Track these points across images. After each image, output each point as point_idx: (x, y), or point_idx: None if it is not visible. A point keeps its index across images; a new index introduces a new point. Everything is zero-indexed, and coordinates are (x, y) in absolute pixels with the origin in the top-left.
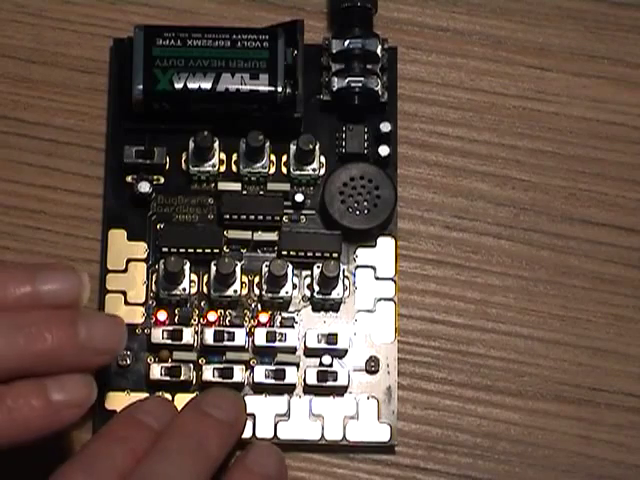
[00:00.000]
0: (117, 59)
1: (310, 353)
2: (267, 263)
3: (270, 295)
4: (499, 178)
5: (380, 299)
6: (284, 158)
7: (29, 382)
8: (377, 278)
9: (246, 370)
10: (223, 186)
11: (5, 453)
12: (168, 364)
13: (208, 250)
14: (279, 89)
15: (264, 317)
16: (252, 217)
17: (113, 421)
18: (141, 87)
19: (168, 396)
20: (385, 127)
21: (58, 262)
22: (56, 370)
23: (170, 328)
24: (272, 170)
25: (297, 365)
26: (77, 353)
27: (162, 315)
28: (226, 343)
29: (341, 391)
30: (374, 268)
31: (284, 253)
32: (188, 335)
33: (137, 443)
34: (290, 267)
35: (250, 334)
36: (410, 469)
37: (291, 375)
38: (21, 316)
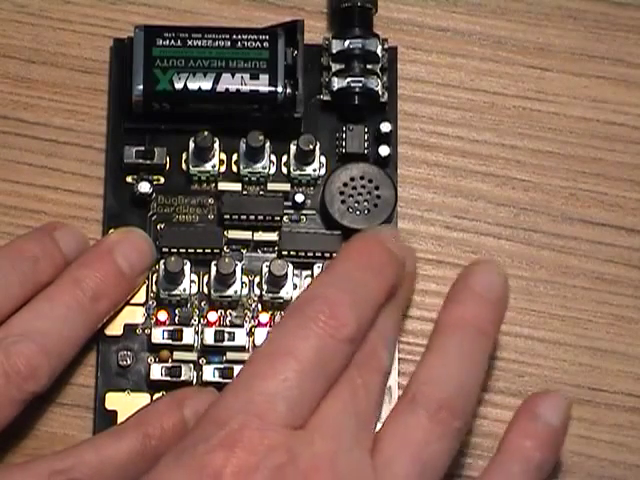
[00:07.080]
0: (117, 59)
1: None
2: (267, 263)
3: (270, 295)
4: (499, 178)
5: None
6: (284, 158)
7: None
8: None
9: None
10: (223, 186)
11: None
12: (168, 364)
13: (208, 250)
14: (279, 89)
15: (264, 317)
16: (252, 217)
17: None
18: (141, 87)
19: None
20: (385, 127)
21: (59, 222)
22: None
23: (170, 328)
24: (272, 170)
25: None
26: (123, 284)
27: (162, 315)
28: (226, 343)
29: None
30: None
31: (284, 253)
32: (188, 335)
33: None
34: (290, 267)
35: (250, 334)
36: None
37: None
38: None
